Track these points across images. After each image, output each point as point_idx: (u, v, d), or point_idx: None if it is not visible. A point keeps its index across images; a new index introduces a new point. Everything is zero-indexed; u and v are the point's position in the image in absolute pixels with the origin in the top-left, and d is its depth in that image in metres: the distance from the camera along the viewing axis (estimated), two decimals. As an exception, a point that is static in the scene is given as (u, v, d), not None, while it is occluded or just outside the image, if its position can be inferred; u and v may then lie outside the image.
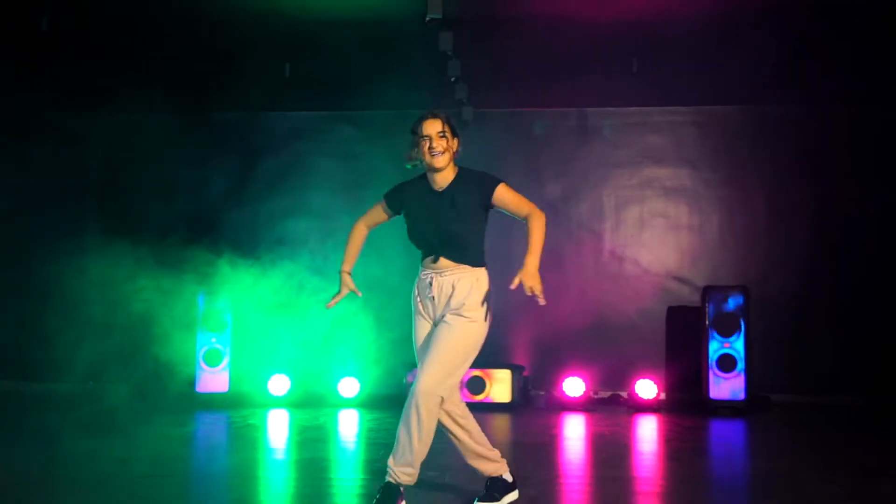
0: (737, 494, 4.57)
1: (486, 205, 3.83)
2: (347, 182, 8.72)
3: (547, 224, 3.80)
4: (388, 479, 3.79)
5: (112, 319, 7.82)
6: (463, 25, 6.21)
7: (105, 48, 7.47)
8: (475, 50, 7.00)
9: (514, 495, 4.07)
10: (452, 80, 7.09)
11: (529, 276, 3.62)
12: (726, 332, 7.32)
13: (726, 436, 6.53)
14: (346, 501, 4.28)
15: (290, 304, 7.82)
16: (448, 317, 3.80)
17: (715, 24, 6.99)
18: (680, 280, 8.51)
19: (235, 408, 7.48)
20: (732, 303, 7.36)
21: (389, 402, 7.63)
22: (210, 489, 4.62)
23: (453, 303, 3.80)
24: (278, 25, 6.97)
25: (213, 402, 7.57)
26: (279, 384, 7.74)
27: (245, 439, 6.21)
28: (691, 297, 8.33)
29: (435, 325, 3.87)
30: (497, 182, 3.82)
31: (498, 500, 3.99)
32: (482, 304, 3.80)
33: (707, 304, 7.42)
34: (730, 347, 7.31)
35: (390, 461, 3.77)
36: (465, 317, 3.77)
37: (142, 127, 8.74)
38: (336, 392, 7.72)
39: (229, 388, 7.65)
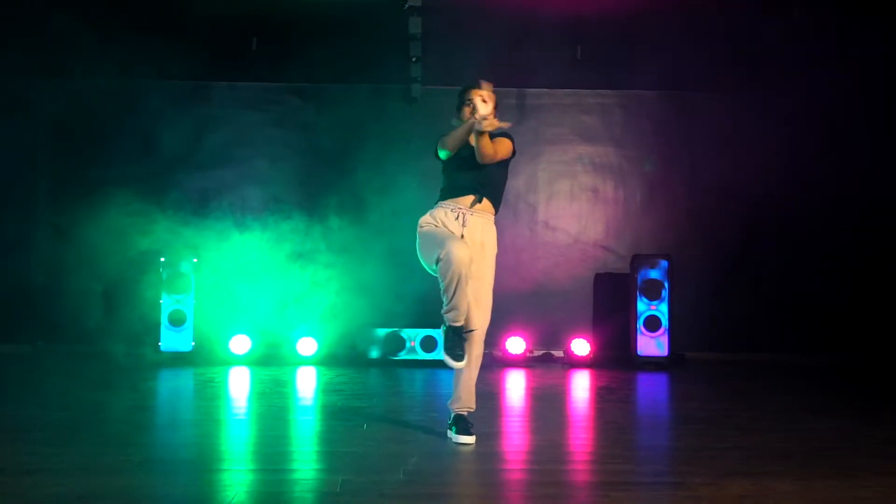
0: (661, 430, 5.36)
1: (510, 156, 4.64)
2: (296, 151, 9.15)
3: (487, 149, 4.39)
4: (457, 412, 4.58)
5: (76, 283, 8.09)
6: (435, 11, 6.73)
7: (58, 13, 7.61)
8: (434, 33, 7.53)
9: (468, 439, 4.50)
10: (413, 59, 7.61)
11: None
12: (652, 296, 8.18)
13: (652, 385, 7.37)
14: (305, 443, 4.73)
15: (250, 267, 8.27)
16: (483, 264, 4.55)
17: (643, 18, 7.75)
18: (606, 249, 9.33)
19: (198, 366, 7.88)
20: (658, 270, 8.22)
21: (345, 361, 8.17)
22: (178, 435, 4.86)
23: (487, 249, 4.57)
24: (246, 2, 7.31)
25: (176, 361, 7.95)
26: (240, 343, 8.16)
27: (208, 393, 6.62)
28: (616, 265, 9.17)
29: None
30: (511, 138, 4.64)
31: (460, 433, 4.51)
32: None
33: (636, 271, 8.26)
34: (655, 309, 8.17)
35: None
36: (492, 263, 4.62)
37: (97, 93, 8.91)
38: (295, 351, 8.20)
39: (192, 347, 8.04)
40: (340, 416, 5.43)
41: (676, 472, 3.96)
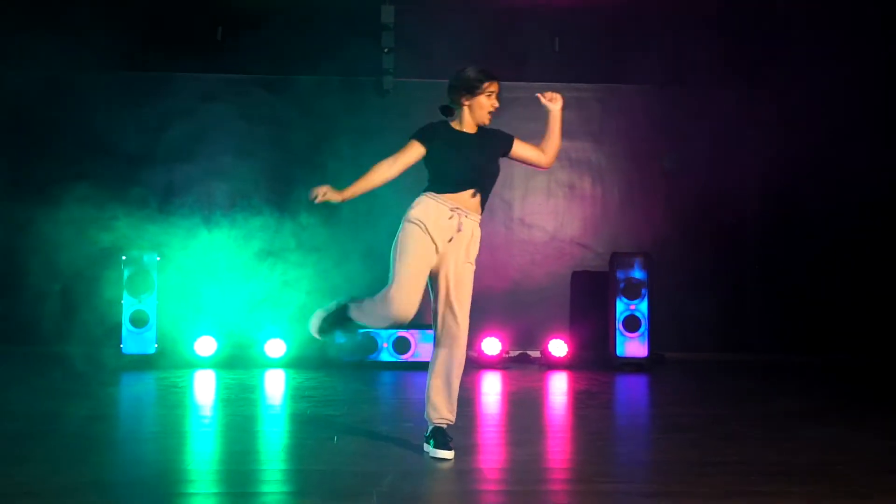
0: (647, 441, 5.14)
1: (506, 151, 4.36)
2: (264, 145, 8.84)
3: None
4: (436, 424, 4.26)
5: (32, 281, 7.72)
6: (408, 1, 6.46)
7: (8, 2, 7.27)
8: (407, 23, 7.26)
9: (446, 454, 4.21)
10: (385, 51, 7.33)
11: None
12: (632, 296, 7.97)
13: (633, 388, 7.18)
14: (273, 460, 4.46)
15: (216, 266, 7.95)
16: (466, 266, 4.26)
17: (625, 9, 7.51)
18: (584, 246, 9.11)
19: (162, 369, 7.55)
20: (637, 268, 8.01)
21: (315, 363, 7.89)
22: (137, 450, 4.58)
23: (471, 252, 4.27)
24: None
25: (139, 364, 7.61)
26: (206, 345, 7.85)
27: (171, 400, 6.31)
28: (594, 262, 8.96)
29: (436, 256, 4.22)
30: (513, 136, 4.41)
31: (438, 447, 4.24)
32: None
33: (615, 270, 8.04)
34: (635, 309, 7.97)
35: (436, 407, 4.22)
36: (473, 266, 4.30)
37: (53, 85, 8.54)
38: (263, 353, 7.90)
39: (156, 349, 7.71)
40: (310, 427, 5.16)
41: (669, 493, 3.72)
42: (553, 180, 9.17)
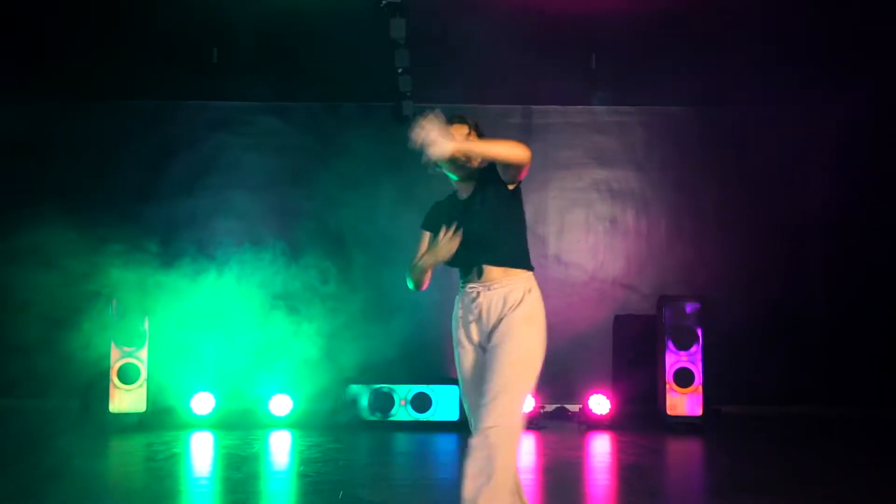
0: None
1: (508, 180, 3.32)
2: (274, 179, 8.09)
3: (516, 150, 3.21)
4: None
5: (10, 328, 6.97)
6: (414, 15, 5.65)
7: (13, 30, 6.62)
8: (423, 41, 6.44)
9: None
10: (399, 71, 6.52)
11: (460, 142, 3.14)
12: (684, 345, 6.99)
13: (687, 453, 6.20)
14: None
15: (215, 315, 7.11)
16: (504, 324, 3.24)
17: (665, 22, 6.60)
18: (627, 287, 8.17)
19: (154, 430, 6.74)
20: (689, 313, 7.03)
21: (326, 421, 7.03)
22: None
23: (507, 309, 3.27)
24: (205, 3, 6.23)
25: (128, 424, 6.80)
26: (203, 402, 7.03)
27: (170, 474, 5.49)
28: (639, 306, 8.02)
29: (483, 349, 3.31)
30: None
31: None
32: (539, 310, 3.32)
33: (663, 315, 7.08)
34: (687, 360, 6.98)
35: None
36: (524, 321, 3.26)
37: (48, 115, 7.89)
38: (267, 410, 7.05)
39: (147, 407, 6.88)
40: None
41: None
42: (592, 214, 8.27)
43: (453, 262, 3.36)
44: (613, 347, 8.07)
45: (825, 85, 7.55)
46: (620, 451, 6.24)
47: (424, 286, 3.43)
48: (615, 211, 8.28)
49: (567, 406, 7.73)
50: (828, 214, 8.07)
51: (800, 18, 6.46)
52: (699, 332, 7.00)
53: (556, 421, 7.48)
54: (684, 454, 6.26)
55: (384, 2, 5.02)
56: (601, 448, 6.38)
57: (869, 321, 7.95)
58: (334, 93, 7.99)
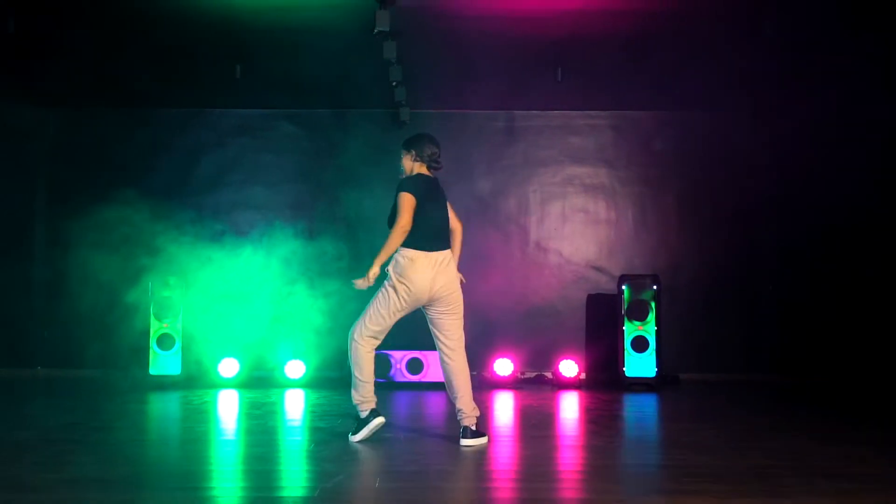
0: (650, 449, 5.31)
1: None
2: (288, 176, 9.27)
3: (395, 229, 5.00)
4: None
5: (68, 307, 8.24)
6: (405, 36, 6.78)
7: (49, 44, 7.76)
8: (414, 57, 7.57)
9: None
10: (394, 84, 7.67)
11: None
12: (639, 317, 8.13)
13: (640, 405, 7.32)
14: (293, 459, 4.89)
15: (238, 292, 8.34)
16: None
17: (629, 40, 7.70)
18: (598, 269, 9.30)
19: (188, 389, 7.94)
20: (645, 289, 8.17)
21: (332, 384, 8.20)
22: (169, 455, 5.10)
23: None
24: (229, 27, 7.35)
25: (165, 384, 8.02)
26: (229, 367, 8.22)
27: (203, 414, 6.70)
28: (608, 286, 9.14)
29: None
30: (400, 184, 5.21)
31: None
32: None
33: (622, 292, 8.22)
34: (642, 330, 8.12)
35: None
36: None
37: (89, 122, 9.15)
38: (283, 374, 8.24)
39: (181, 370, 8.11)
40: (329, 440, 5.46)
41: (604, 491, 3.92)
42: (568, 205, 9.40)
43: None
44: (586, 322, 9.21)
45: (766, 95, 8.66)
46: (581, 405, 7.37)
47: None
48: (588, 203, 9.41)
49: (545, 374, 8.88)
50: (776, 203, 9.16)
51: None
52: (652, 305, 8.13)
53: (533, 385, 8.61)
54: (638, 406, 7.35)
55: (376, 31, 6.12)
56: (568, 401, 7.51)
57: (815, 298, 9.04)
58: (340, 102, 9.16)
